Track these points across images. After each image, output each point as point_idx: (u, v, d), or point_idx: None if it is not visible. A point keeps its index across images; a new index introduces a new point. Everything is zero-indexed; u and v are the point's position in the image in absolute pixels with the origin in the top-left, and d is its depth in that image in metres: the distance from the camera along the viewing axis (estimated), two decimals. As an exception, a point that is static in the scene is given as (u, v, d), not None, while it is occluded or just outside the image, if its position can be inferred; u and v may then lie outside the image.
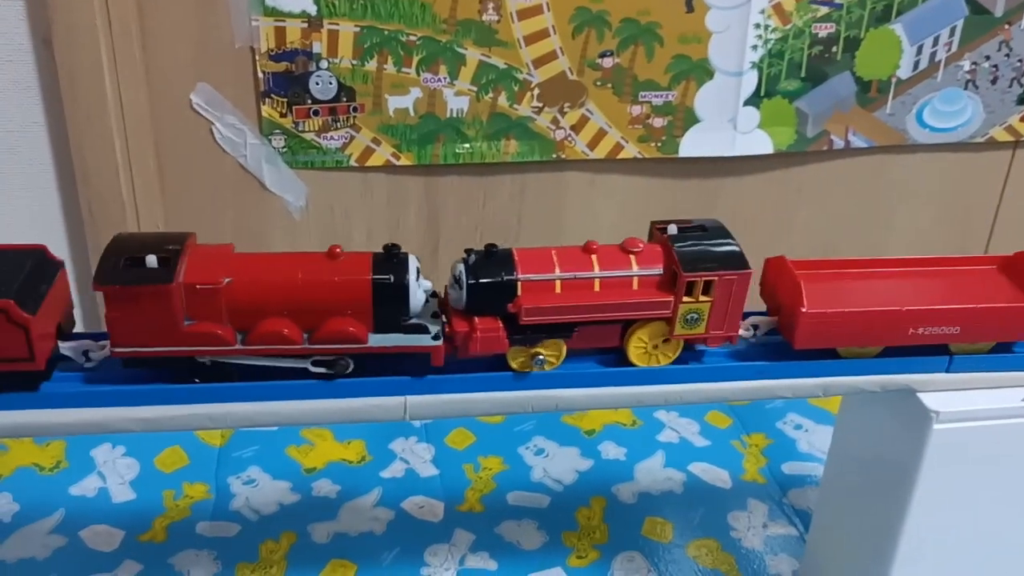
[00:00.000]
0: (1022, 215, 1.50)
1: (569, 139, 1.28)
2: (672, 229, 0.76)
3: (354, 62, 1.18)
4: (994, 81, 1.36)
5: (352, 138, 1.23)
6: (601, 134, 1.28)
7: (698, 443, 1.28)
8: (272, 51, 1.16)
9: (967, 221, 1.50)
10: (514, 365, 0.74)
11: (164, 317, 0.67)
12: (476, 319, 0.72)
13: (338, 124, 1.22)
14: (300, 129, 1.21)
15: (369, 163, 1.25)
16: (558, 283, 0.73)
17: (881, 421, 0.85)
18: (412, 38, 1.18)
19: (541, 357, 0.74)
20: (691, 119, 1.30)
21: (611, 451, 1.25)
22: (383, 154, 1.24)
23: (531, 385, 0.75)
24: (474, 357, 0.72)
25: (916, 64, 1.33)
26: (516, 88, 1.23)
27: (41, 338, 0.67)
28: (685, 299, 0.73)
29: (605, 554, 1.08)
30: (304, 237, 1.28)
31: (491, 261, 0.72)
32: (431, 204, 1.30)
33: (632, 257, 0.74)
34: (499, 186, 1.31)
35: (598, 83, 1.25)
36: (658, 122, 1.29)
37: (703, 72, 1.27)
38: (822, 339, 0.77)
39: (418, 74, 1.20)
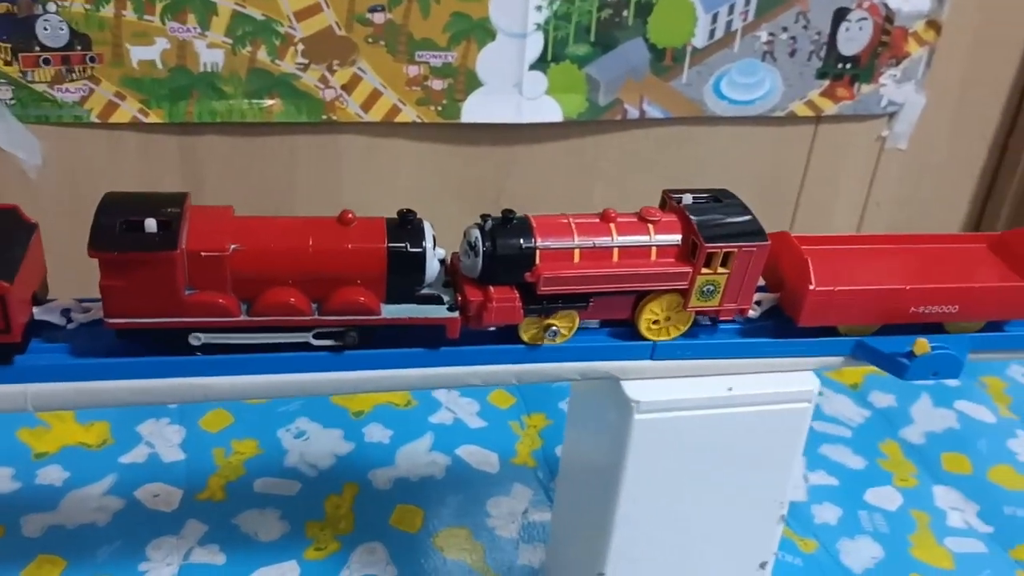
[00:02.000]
0: (827, 191, 1.48)
1: (341, 100, 1.19)
2: (687, 199, 0.73)
3: (87, 6, 1.07)
4: (792, 54, 1.33)
5: (92, 91, 1.11)
6: (376, 95, 1.20)
7: (473, 424, 1.22)
8: (-10, -10, 1.04)
9: (772, 196, 1.47)
10: (525, 337, 0.71)
11: (165, 286, 0.62)
12: (491, 288, 0.68)
13: (74, 75, 1.10)
14: (29, 79, 1.09)
15: (113, 119, 1.14)
16: (577, 252, 0.70)
17: (596, 409, 0.80)
18: (155, -17, 1.07)
19: (555, 328, 0.71)
20: (473, 82, 1.22)
21: (376, 434, 1.18)
22: (129, 110, 1.13)
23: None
24: (487, 328, 0.69)
25: (712, 33, 1.28)
26: (277, 42, 1.14)
27: (18, 307, 0.62)
28: (704, 271, 0.71)
29: (346, 545, 1.01)
30: (47, 200, 1.17)
31: (508, 227, 0.69)
32: (191, 167, 1.20)
33: (650, 226, 0.71)
34: (267, 148, 1.22)
35: (369, 40, 1.17)
36: (437, 84, 1.21)
37: (484, 32, 1.19)
38: (827, 317, 0.75)
39: (163, 23, 1.10)
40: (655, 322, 0.73)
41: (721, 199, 0.75)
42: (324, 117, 1.20)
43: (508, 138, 1.29)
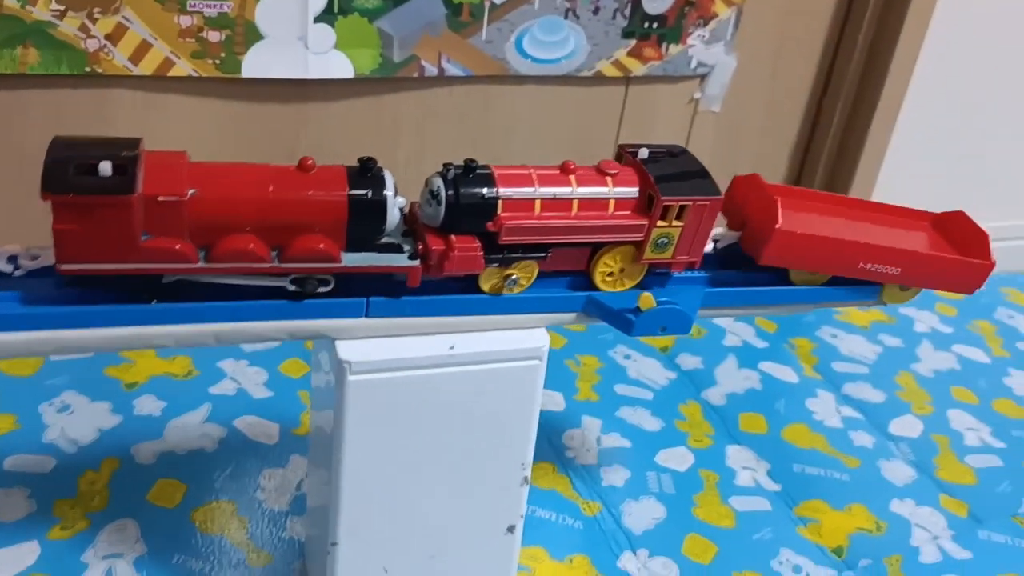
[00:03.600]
0: (641, 155, 1.47)
1: (106, 51, 1.11)
2: (643, 153, 0.75)
3: None
4: (596, 12, 1.30)
5: None
6: (146, 47, 1.12)
7: (258, 395, 1.16)
8: None
9: (585, 158, 1.43)
10: (485, 287, 0.72)
11: (121, 231, 0.60)
12: (453, 237, 0.69)
13: None
14: None
15: None
16: (538, 202, 0.71)
17: (323, 372, 0.76)
18: None
19: (515, 277, 0.72)
20: (254, 35, 1.16)
21: (148, 406, 1.11)
22: None
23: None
24: (447, 277, 0.70)
25: (510, -13, 1.24)
26: (27, -14, 1.05)
27: None
28: (659, 223, 0.72)
29: (95, 523, 0.94)
30: None
31: (471, 176, 0.69)
32: (-60, 121, 1.11)
33: (609, 179, 0.73)
34: (27, 103, 1.13)
35: (134, -14, 1.09)
36: (214, 36, 1.14)
37: (262, -19, 1.13)
38: (786, 258, 0.79)
39: None
40: (609, 274, 0.76)
41: (675, 154, 0.76)
42: (88, 69, 1.11)
43: (298, 95, 1.23)
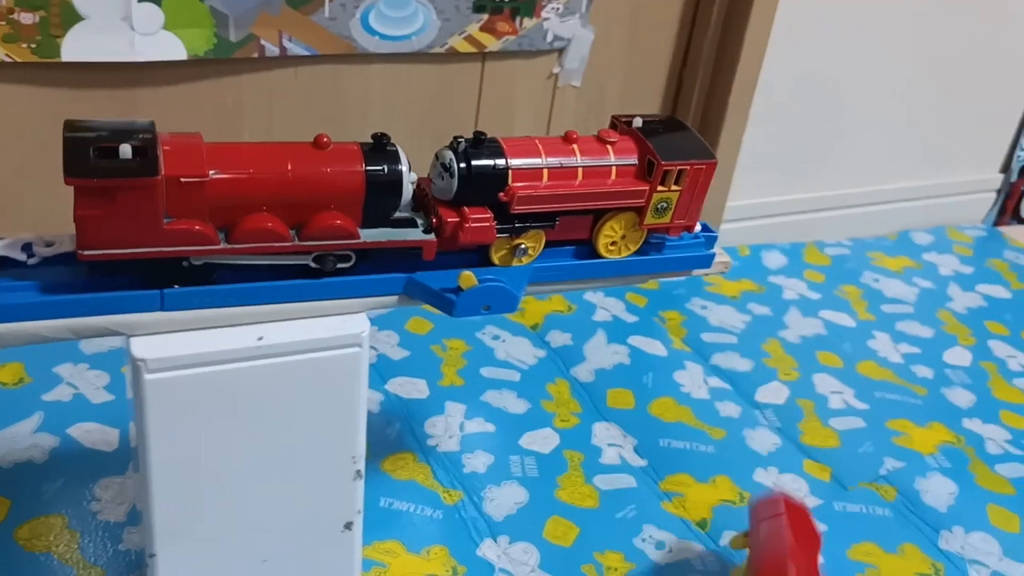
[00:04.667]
0: (503, 130, 1.42)
1: (-97, 37, 1.02)
2: (637, 122, 0.77)
3: None
4: (444, -15, 1.26)
5: None
6: (-50, 31, 1.04)
7: (98, 399, 1.09)
8: None
9: (445, 137, 1.40)
10: (495, 258, 0.73)
11: (145, 214, 0.60)
12: (466, 209, 0.70)
13: None
14: None
15: None
16: (545, 172, 0.72)
17: (129, 367, 0.71)
18: None
19: (524, 247, 0.73)
20: (72, 16, 1.08)
21: (-26, 418, 1.04)
22: None
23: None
24: (461, 249, 0.71)
25: (351, -39, 1.19)
26: None
27: None
28: (659, 188, 0.74)
29: (-94, 550, 0.87)
30: None
31: (481, 148, 0.70)
32: None
33: (609, 147, 0.75)
34: None
35: (-70, -34, 1.00)
36: (27, 18, 1.06)
37: (76, -42, 1.06)
38: None
39: None
40: (612, 242, 0.77)
41: (667, 122, 0.78)
42: None
43: (127, 79, 1.16)
